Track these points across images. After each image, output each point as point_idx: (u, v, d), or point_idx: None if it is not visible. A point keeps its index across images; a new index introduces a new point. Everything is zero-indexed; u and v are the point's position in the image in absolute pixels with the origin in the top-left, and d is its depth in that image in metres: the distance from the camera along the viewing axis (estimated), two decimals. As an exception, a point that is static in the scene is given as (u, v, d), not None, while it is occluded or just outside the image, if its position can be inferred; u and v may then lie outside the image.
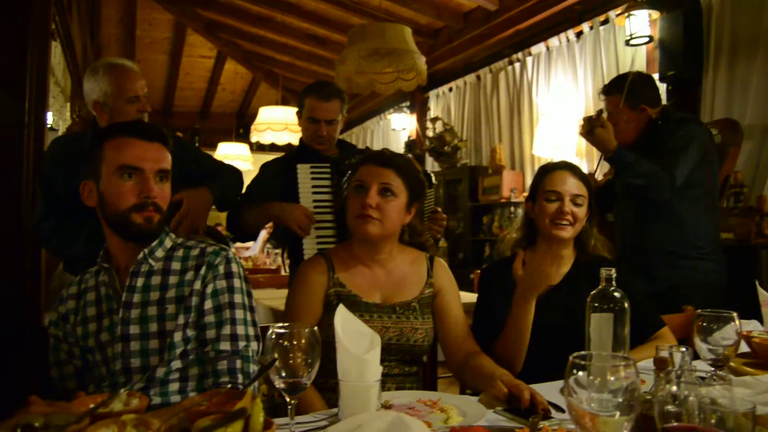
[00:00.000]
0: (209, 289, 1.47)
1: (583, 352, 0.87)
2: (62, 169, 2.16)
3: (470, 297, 3.69)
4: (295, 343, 1.03)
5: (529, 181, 5.64)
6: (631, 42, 4.17)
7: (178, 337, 1.44)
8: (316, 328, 1.05)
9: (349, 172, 1.93)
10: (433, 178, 2.46)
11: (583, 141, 5.00)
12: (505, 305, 1.72)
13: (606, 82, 4.66)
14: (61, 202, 2.13)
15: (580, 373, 0.84)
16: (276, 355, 1.02)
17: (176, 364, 1.44)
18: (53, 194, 2.17)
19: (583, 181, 1.88)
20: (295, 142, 6.03)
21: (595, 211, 1.92)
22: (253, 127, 6.15)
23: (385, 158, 1.72)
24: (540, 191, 1.89)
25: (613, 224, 2.97)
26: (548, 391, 1.35)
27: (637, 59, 4.49)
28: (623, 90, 2.64)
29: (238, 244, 8.76)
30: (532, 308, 1.68)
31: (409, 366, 1.70)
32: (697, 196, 2.60)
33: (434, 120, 6.74)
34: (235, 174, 2.46)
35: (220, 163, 2.55)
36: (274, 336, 1.03)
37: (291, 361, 1.02)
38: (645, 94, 2.67)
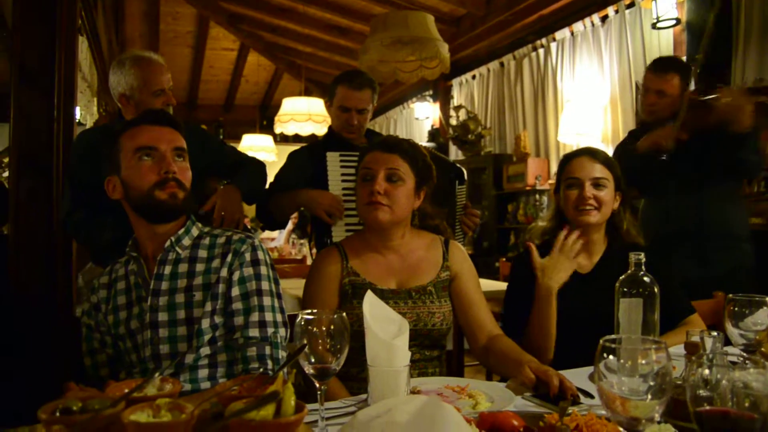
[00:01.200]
0: (236, 276, 1.48)
1: (613, 336, 0.86)
2: (89, 162, 2.19)
3: (495, 285, 3.70)
4: (324, 328, 1.03)
5: (554, 168, 5.59)
6: (658, 25, 4.10)
7: (205, 323, 1.46)
8: (344, 314, 1.05)
9: None
10: (465, 174, 2.47)
11: (609, 127, 4.97)
12: (533, 294, 1.72)
13: (632, 66, 4.66)
14: (88, 195, 2.16)
15: (611, 357, 0.84)
16: (305, 341, 1.02)
17: (205, 350, 1.46)
18: (81, 187, 2.20)
19: (605, 164, 1.85)
20: (319, 132, 6.06)
21: (626, 193, 1.89)
22: (276, 119, 6.18)
23: (390, 144, 1.72)
24: (562, 180, 1.89)
25: (644, 208, 2.93)
26: (577, 377, 1.34)
27: (664, 43, 4.41)
28: (688, 72, 2.67)
29: (264, 235, 8.84)
30: (554, 301, 1.68)
31: (429, 350, 1.70)
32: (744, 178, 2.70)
33: (458, 108, 6.71)
34: (260, 167, 2.48)
35: (245, 156, 2.57)
36: (303, 322, 1.04)
37: (320, 347, 1.03)
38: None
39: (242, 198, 2.28)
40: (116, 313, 1.54)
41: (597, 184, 1.81)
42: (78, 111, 4.27)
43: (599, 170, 1.83)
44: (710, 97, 2.51)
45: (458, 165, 2.48)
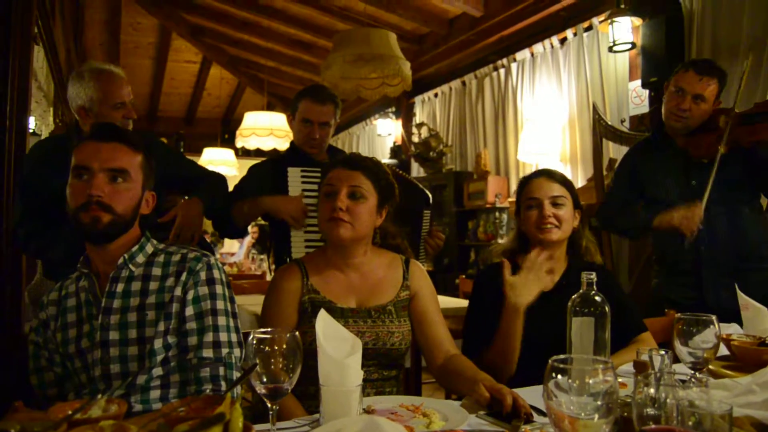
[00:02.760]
0: (190, 296, 1.46)
1: (562, 356, 0.87)
2: (43, 171, 2.15)
3: (456, 302, 3.71)
4: (276, 348, 1.02)
5: (513, 186, 5.67)
6: (614, 48, 4.21)
7: (158, 343, 1.43)
8: (297, 333, 1.05)
9: None
10: (431, 198, 2.52)
11: (567, 146, 5.07)
12: (497, 310, 1.73)
13: (590, 87, 4.77)
14: (40, 206, 2.11)
15: (560, 376, 0.85)
16: (257, 361, 1.01)
17: (157, 371, 1.43)
18: (33, 197, 2.15)
19: (562, 183, 1.90)
20: (281, 147, 6.04)
21: (584, 211, 1.93)
22: (238, 133, 6.14)
23: (354, 161, 1.72)
24: (522, 202, 1.92)
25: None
26: (532, 395, 1.35)
27: (620, 65, 4.54)
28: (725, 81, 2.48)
29: (224, 249, 8.74)
30: (522, 318, 1.69)
31: (387, 370, 1.70)
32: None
33: (420, 125, 6.76)
34: (221, 180, 2.46)
35: (205, 170, 2.55)
36: (255, 341, 1.03)
37: (272, 367, 1.02)
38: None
39: (204, 211, 2.25)
40: (65, 331, 1.49)
41: (556, 202, 1.85)
42: (33, 121, 4.17)
43: (557, 189, 1.87)
44: (760, 108, 2.38)
45: (425, 190, 2.52)
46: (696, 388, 0.87)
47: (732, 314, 2.02)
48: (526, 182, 1.94)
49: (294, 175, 2.37)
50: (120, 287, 1.47)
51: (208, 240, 3.14)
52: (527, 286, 1.70)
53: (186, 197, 2.30)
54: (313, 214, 2.32)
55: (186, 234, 2.13)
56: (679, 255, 2.51)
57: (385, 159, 7.29)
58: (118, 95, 2.19)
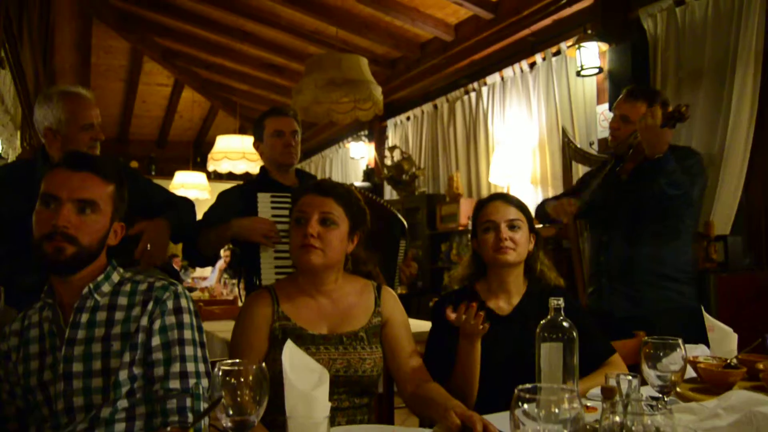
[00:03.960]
0: (157, 325, 1.43)
1: (528, 385, 0.87)
2: (7, 196, 2.11)
3: (428, 325, 3.70)
4: (242, 379, 1.01)
5: (486, 208, 5.71)
6: (582, 73, 4.30)
7: (123, 375, 1.39)
8: (264, 364, 1.03)
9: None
10: (406, 226, 2.55)
11: (537, 169, 5.13)
12: (456, 338, 1.72)
13: (559, 111, 4.85)
14: (7, 231, 2.06)
15: (526, 405, 0.85)
16: (223, 393, 1.00)
17: (122, 403, 1.39)
18: (0, 221, 2.11)
19: (518, 207, 1.92)
20: (253, 171, 6.02)
21: (539, 235, 1.95)
22: (210, 156, 6.11)
23: (325, 188, 1.72)
24: (478, 224, 1.93)
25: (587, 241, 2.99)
26: (502, 421, 1.35)
27: (588, 89, 4.62)
28: (656, 103, 2.60)
29: (196, 274, 8.63)
30: (478, 348, 1.68)
31: (359, 398, 1.68)
32: (690, 221, 2.69)
33: (392, 149, 6.80)
34: (189, 205, 2.45)
35: (173, 195, 2.53)
36: (221, 373, 1.01)
37: (239, 399, 1.01)
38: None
39: (171, 233, 2.23)
40: (27, 363, 1.45)
41: (512, 225, 1.87)
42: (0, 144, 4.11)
43: (513, 212, 1.89)
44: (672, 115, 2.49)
45: (401, 218, 2.54)
46: (659, 416, 0.88)
47: (630, 323, 2.36)
48: (482, 206, 1.95)
49: (264, 200, 2.36)
50: (84, 317, 1.44)
51: (179, 266, 3.10)
52: (472, 325, 1.67)
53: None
54: (284, 240, 2.31)
55: (152, 252, 2.09)
56: (591, 263, 2.81)
57: (358, 182, 7.30)
58: (86, 116, 2.17)
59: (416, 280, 6.08)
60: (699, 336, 2.06)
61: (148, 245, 2.09)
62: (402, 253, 2.49)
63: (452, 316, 1.64)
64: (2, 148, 4.41)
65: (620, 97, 2.77)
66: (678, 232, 2.64)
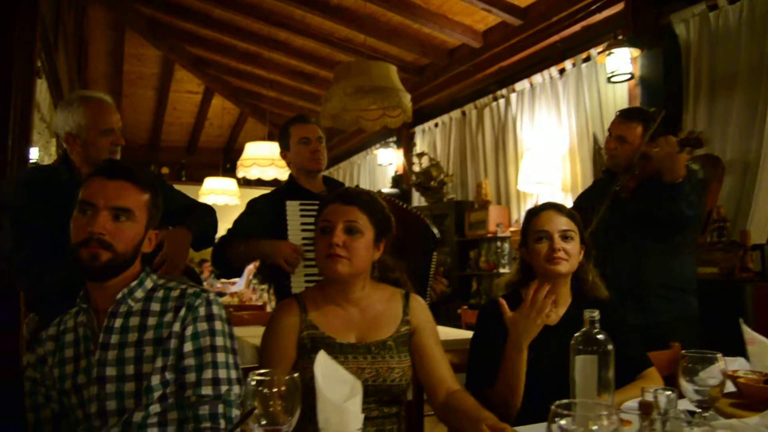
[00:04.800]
0: (189, 332, 1.44)
1: (565, 401, 0.86)
2: (29, 201, 2.13)
3: (457, 333, 3.68)
4: (275, 390, 1.01)
5: (515, 215, 5.67)
6: (612, 79, 4.25)
7: (156, 380, 1.40)
8: (296, 374, 1.03)
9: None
10: (437, 236, 2.54)
11: (568, 176, 5.08)
12: (501, 345, 1.71)
13: (589, 117, 4.80)
14: (29, 236, 2.08)
15: (563, 421, 0.83)
16: (255, 403, 1.00)
17: (155, 408, 1.41)
18: (24, 227, 2.11)
19: (570, 217, 1.89)
20: (282, 177, 6.05)
21: (588, 245, 1.93)
22: (239, 163, 6.16)
23: (349, 196, 1.71)
24: (530, 234, 1.90)
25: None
26: (535, 433, 1.33)
27: (619, 96, 4.56)
28: (651, 124, 2.66)
29: (225, 280, 8.69)
30: (525, 353, 1.66)
31: (388, 407, 1.66)
32: (693, 234, 2.69)
33: (420, 155, 6.79)
34: (210, 212, 2.46)
35: (194, 201, 2.54)
36: (253, 383, 1.01)
37: (271, 409, 1.00)
38: (658, 131, 2.69)
39: (192, 241, 2.24)
40: (62, 367, 1.48)
41: (565, 236, 1.85)
42: (36, 151, 4.19)
43: (565, 223, 1.87)
44: (652, 146, 2.56)
45: (434, 229, 2.53)
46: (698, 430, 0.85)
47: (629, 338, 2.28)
48: (534, 214, 1.92)
49: (293, 208, 2.37)
50: (118, 322, 1.46)
51: (209, 271, 3.11)
52: (529, 322, 1.67)
53: (170, 227, 2.28)
54: (313, 248, 2.31)
55: (173, 261, 2.09)
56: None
57: (386, 188, 7.30)
58: (106, 121, 2.17)
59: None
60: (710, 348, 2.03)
61: (168, 255, 2.08)
62: (434, 265, 2.48)
63: (510, 313, 1.66)
64: (39, 155, 4.50)
65: (614, 119, 2.81)
66: (683, 245, 2.65)
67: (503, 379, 1.70)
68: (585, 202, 2.89)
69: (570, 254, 1.84)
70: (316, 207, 2.33)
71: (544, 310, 1.64)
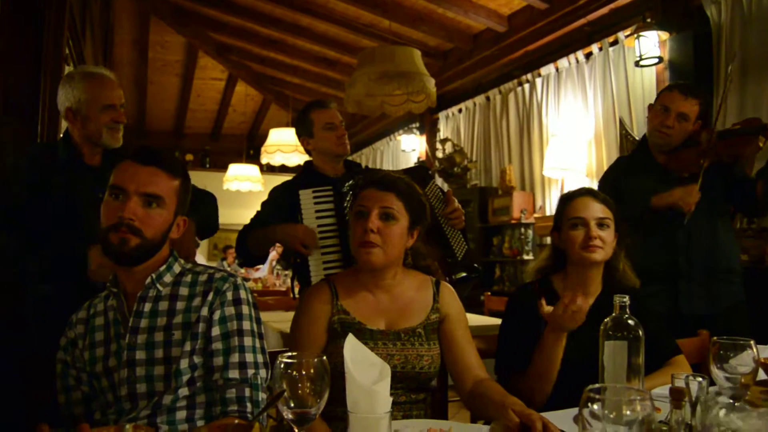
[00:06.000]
0: (216, 316, 1.45)
1: (597, 385, 0.85)
2: (22, 181, 2.12)
3: (482, 320, 3.68)
4: (303, 373, 1.01)
5: (539, 202, 5.62)
6: (641, 63, 4.18)
7: (184, 364, 1.42)
8: (324, 357, 1.03)
9: (350, 193, 1.92)
10: (432, 168, 2.48)
11: (593, 161, 5.02)
12: (532, 332, 1.70)
13: (616, 102, 4.73)
14: (23, 217, 2.06)
15: (595, 406, 0.83)
16: (284, 386, 1.00)
17: (183, 391, 1.42)
18: (9, 207, 2.11)
19: (606, 204, 1.86)
20: (306, 163, 6.05)
21: (622, 233, 1.90)
22: (263, 149, 6.19)
23: (386, 182, 1.70)
24: (564, 220, 1.87)
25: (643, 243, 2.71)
26: (562, 419, 1.32)
27: (647, 80, 4.49)
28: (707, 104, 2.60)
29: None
30: (563, 342, 1.66)
31: (416, 393, 1.67)
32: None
33: (444, 141, 6.76)
34: (211, 199, 2.46)
35: (197, 188, 2.54)
36: (282, 366, 1.02)
37: (299, 392, 1.01)
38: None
39: (197, 229, 2.25)
40: (93, 350, 1.50)
41: (601, 223, 1.82)
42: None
43: (601, 210, 1.84)
44: (738, 128, 2.51)
45: (420, 166, 2.48)
46: (734, 415, 0.84)
47: (705, 321, 2.26)
48: (569, 200, 1.89)
49: (306, 197, 2.36)
50: (147, 307, 1.47)
51: (233, 257, 3.13)
52: (566, 317, 1.65)
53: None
54: (329, 234, 2.31)
55: (180, 253, 2.10)
56: (655, 264, 2.53)
57: (409, 174, 7.27)
58: (107, 96, 2.13)
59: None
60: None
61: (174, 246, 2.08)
62: (436, 201, 2.37)
63: (547, 308, 1.64)
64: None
65: (666, 93, 2.65)
66: (730, 230, 2.63)
67: (537, 366, 1.69)
68: (625, 185, 2.69)
69: (605, 242, 1.81)
70: (330, 192, 2.34)
71: (577, 318, 1.62)
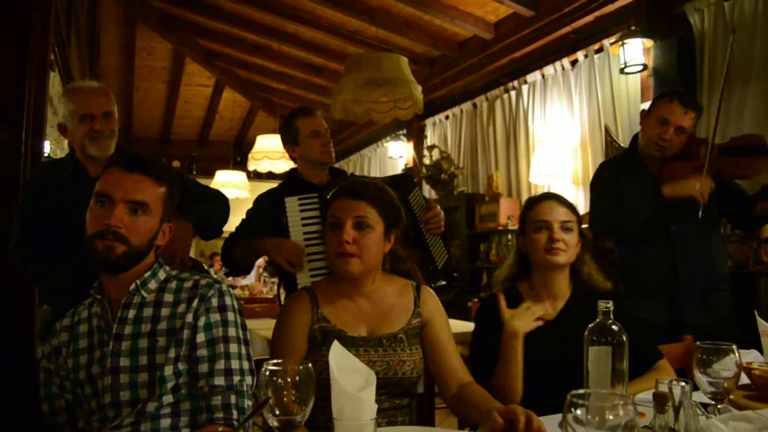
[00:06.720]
0: (201, 322, 1.45)
1: (580, 390, 0.85)
2: (36, 195, 2.14)
3: (468, 326, 3.66)
4: (288, 380, 1.01)
5: (526, 208, 5.64)
6: (626, 70, 4.21)
7: (169, 370, 1.41)
8: (310, 365, 1.03)
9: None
10: (416, 177, 2.48)
11: (579, 168, 5.05)
12: (500, 340, 1.71)
13: (602, 109, 4.76)
14: (36, 231, 2.09)
15: (578, 411, 0.83)
16: (270, 393, 1.00)
17: (168, 398, 1.42)
18: (29, 222, 2.14)
19: (570, 208, 1.88)
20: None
21: (586, 238, 1.91)
22: (250, 156, 6.18)
23: (357, 191, 1.68)
24: (528, 223, 1.89)
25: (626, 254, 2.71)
26: (547, 424, 1.33)
27: (632, 87, 4.53)
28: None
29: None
30: (521, 345, 1.67)
31: (399, 399, 1.67)
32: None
33: (431, 148, 6.77)
34: (221, 200, 2.45)
35: (206, 189, 2.53)
36: (267, 373, 1.01)
37: (285, 399, 1.01)
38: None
39: (196, 232, 2.23)
40: (77, 357, 1.49)
41: (565, 227, 1.84)
42: (48, 145, 4.22)
43: (566, 213, 1.86)
44: (739, 142, 2.50)
45: (407, 171, 2.49)
46: (715, 419, 0.85)
47: (706, 332, 2.14)
48: (533, 204, 1.91)
49: (292, 204, 2.34)
50: (131, 313, 1.46)
51: (220, 264, 3.13)
52: (527, 315, 1.67)
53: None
54: (315, 242, 2.30)
55: (176, 257, 2.08)
56: (650, 275, 2.53)
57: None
58: (84, 107, 2.15)
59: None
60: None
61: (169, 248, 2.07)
62: (418, 208, 2.37)
63: (506, 311, 1.69)
64: (51, 148, 4.52)
65: (665, 103, 2.56)
66: (719, 239, 2.64)
67: (501, 372, 1.70)
68: (612, 186, 2.66)
69: (569, 245, 1.83)
70: (315, 199, 2.33)
71: (543, 307, 1.65)
